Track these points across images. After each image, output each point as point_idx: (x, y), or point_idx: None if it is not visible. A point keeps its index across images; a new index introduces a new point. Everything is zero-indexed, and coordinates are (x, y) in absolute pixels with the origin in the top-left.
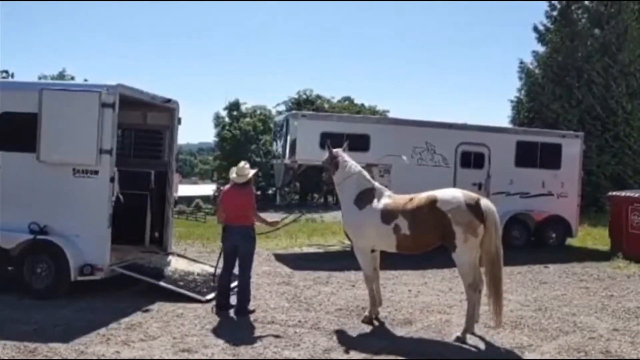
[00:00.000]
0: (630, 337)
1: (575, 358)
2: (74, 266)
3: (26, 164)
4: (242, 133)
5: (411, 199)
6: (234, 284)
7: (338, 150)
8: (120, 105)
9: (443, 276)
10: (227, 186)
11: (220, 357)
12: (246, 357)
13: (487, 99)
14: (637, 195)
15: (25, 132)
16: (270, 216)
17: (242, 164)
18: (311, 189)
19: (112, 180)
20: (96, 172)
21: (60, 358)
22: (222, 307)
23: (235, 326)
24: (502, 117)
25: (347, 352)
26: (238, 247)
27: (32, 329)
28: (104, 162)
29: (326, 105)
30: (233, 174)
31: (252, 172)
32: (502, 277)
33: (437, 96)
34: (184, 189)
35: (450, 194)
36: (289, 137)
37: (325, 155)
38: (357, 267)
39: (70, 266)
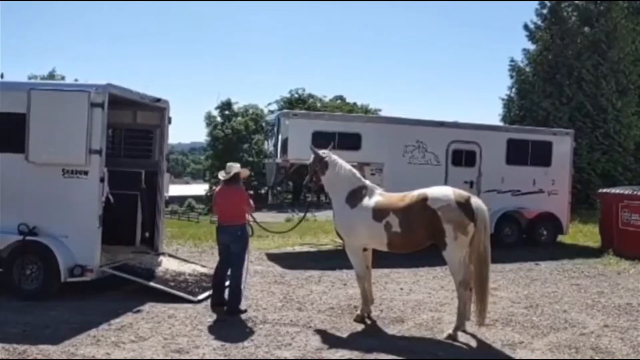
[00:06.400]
0: (621, 333)
1: (566, 355)
2: (64, 267)
3: (15, 164)
4: (234, 132)
5: (402, 197)
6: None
7: (325, 151)
8: (110, 104)
9: (435, 274)
10: (219, 186)
11: (212, 357)
12: (238, 357)
13: (478, 97)
14: (627, 192)
15: (14, 132)
16: (263, 216)
17: (230, 163)
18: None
19: (102, 180)
20: (86, 173)
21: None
22: (216, 303)
23: (227, 326)
24: (493, 115)
25: (338, 351)
26: (229, 247)
27: (22, 330)
28: (94, 162)
29: (318, 104)
30: (221, 173)
31: (236, 168)
32: (488, 277)
33: (429, 95)
34: (177, 189)
35: (441, 191)
36: (280, 136)
37: (312, 157)
38: (349, 266)
39: (60, 267)
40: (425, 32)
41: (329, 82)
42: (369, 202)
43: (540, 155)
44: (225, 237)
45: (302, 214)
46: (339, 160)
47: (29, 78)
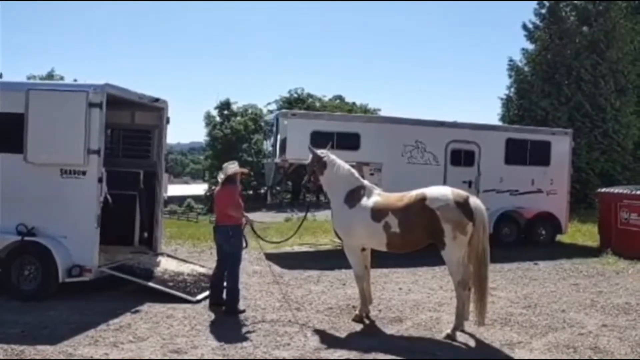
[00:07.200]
0: (619, 333)
1: (564, 354)
2: (63, 268)
3: (13, 164)
4: (233, 132)
5: (401, 197)
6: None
7: (324, 150)
8: (108, 104)
9: (433, 274)
10: (218, 186)
11: (210, 358)
12: (236, 357)
13: (477, 97)
14: (625, 191)
15: (12, 132)
16: (262, 216)
17: (226, 164)
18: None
19: (100, 180)
20: (84, 173)
21: None
22: (214, 303)
23: (225, 326)
24: (492, 114)
25: (336, 351)
26: (222, 247)
27: (20, 331)
28: (92, 163)
29: (317, 104)
30: (220, 174)
31: (231, 169)
32: (487, 276)
33: (428, 94)
34: (176, 189)
35: (439, 191)
36: (279, 136)
37: (310, 156)
38: (348, 266)
39: (58, 268)
40: (424, 32)
41: (328, 82)
42: (367, 202)
43: (539, 154)
44: (219, 237)
45: (301, 214)
46: (338, 160)
47: (28, 78)
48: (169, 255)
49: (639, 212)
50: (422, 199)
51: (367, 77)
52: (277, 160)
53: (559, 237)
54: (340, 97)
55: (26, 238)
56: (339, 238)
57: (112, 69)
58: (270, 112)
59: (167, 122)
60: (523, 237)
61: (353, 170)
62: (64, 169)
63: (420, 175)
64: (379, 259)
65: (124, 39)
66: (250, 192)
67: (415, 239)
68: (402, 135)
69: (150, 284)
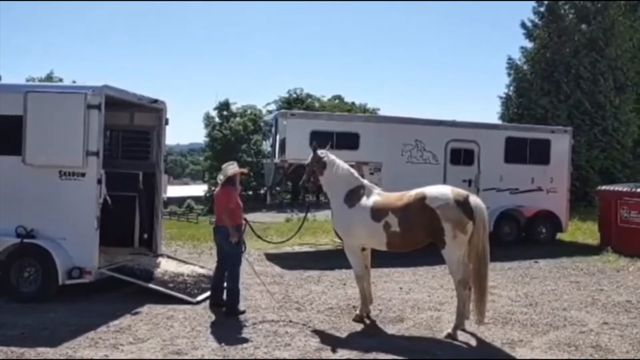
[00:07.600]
0: (620, 331)
1: (565, 353)
2: (62, 270)
3: (12, 167)
4: (232, 133)
5: (401, 197)
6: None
7: (323, 150)
8: (107, 106)
9: (434, 273)
10: (218, 187)
11: (211, 358)
12: (237, 358)
13: (477, 96)
14: (625, 189)
15: (11, 135)
16: (262, 216)
17: (224, 165)
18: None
19: (99, 182)
20: (83, 174)
21: None
22: (215, 303)
23: (226, 327)
24: (491, 113)
25: (337, 351)
26: (222, 247)
27: (20, 333)
28: (91, 164)
29: (316, 104)
30: (220, 175)
31: (231, 169)
32: (487, 275)
33: (427, 94)
34: (176, 190)
35: (439, 190)
36: (278, 137)
37: (310, 156)
38: (348, 266)
39: (58, 270)
40: (423, 31)
41: (327, 82)
42: (367, 201)
43: (539, 153)
44: (218, 237)
45: (301, 214)
46: (337, 160)
47: (27, 80)
48: (168, 257)
49: (639, 210)
50: (422, 198)
51: (366, 77)
52: (277, 160)
53: (559, 236)
54: (339, 97)
55: (26, 240)
56: (339, 238)
57: (111, 69)
58: (270, 112)
59: (166, 123)
60: (523, 236)
61: (353, 170)
62: (63, 171)
63: (419, 175)
64: (379, 259)
65: (124, 39)
66: (250, 192)
67: (415, 238)
68: (402, 135)
69: (151, 285)
